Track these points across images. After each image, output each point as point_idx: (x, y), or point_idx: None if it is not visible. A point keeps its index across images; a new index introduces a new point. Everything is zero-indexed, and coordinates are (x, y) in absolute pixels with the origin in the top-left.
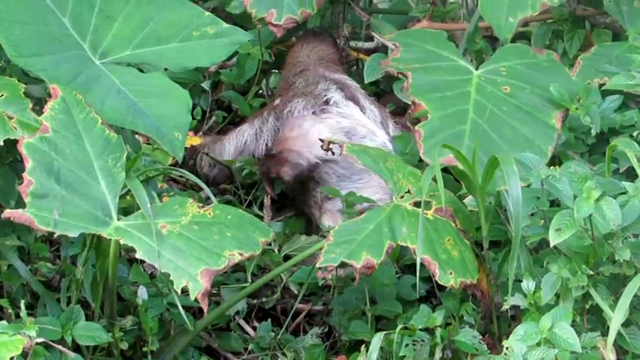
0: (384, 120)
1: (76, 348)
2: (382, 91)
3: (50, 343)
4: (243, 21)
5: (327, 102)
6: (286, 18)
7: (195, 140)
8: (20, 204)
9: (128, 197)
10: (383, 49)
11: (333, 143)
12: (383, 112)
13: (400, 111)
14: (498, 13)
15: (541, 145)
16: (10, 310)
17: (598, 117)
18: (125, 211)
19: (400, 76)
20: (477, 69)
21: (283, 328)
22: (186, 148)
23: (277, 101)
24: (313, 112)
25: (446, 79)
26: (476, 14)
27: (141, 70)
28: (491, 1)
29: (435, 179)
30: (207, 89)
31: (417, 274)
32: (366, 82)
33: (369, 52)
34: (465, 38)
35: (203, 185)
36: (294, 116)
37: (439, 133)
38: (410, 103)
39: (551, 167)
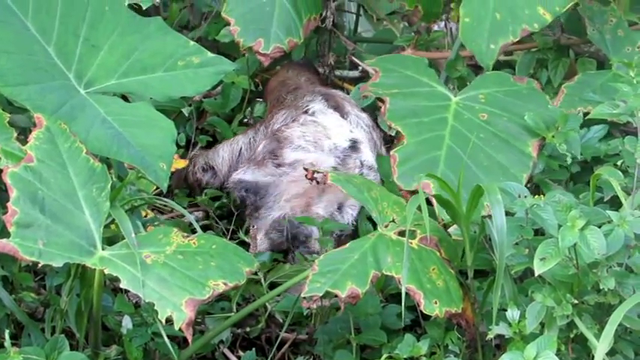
0: (374, 126)
1: None
2: None
3: None
4: (228, 50)
5: (306, 112)
6: (274, 47)
7: (180, 163)
8: (4, 233)
9: (113, 227)
10: (368, 78)
11: (317, 172)
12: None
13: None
14: (479, 39)
15: (516, 173)
16: None
17: (578, 143)
18: (110, 240)
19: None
20: (455, 96)
21: (268, 358)
22: (171, 172)
23: (269, 115)
24: (293, 121)
25: (423, 104)
26: (457, 42)
27: (126, 100)
28: (472, 28)
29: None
30: (192, 117)
31: (403, 303)
32: None
33: (353, 80)
34: (445, 65)
35: (187, 214)
36: (275, 128)
37: (414, 158)
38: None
39: (536, 196)
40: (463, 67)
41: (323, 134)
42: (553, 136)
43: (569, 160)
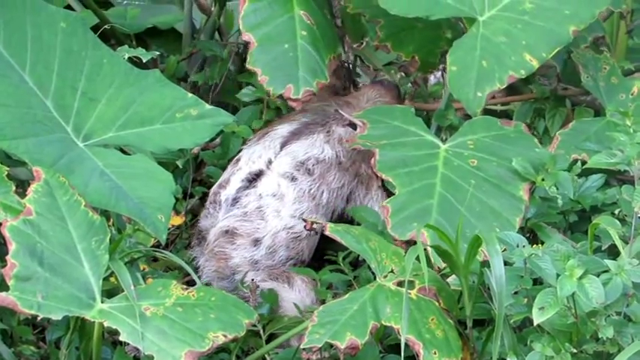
0: (310, 165)
1: None
2: None
3: None
4: (227, 99)
5: (266, 132)
6: (304, 91)
7: (176, 220)
8: (3, 287)
9: (112, 279)
10: None
11: (317, 223)
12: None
13: None
14: (467, 87)
15: (508, 217)
16: None
17: (569, 182)
18: (109, 293)
19: None
20: (444, 143)
21: None
22: (168, 229)
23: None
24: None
25: (413, 154)
26: (446, 91)
27: (125, 153)
28: (459, 76)
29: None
30: (188, 168)
31: (402, 353)
32: None
33: None
34: (435, 114)
35: (186, 267)
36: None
37: (407, 208)
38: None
39: (534, 245)
40: (454, 117)
41: (226, 182)
42: (543, 179)
43: (560, 202)
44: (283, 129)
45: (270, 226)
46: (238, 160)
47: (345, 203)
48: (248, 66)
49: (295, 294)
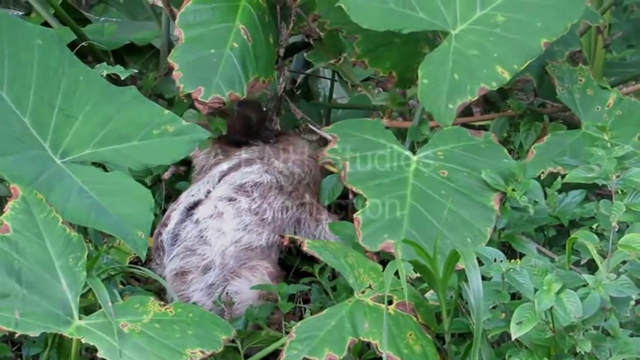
0: (285, 184)
1: None
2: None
3: None
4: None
5: (206, 173)
6: (213, 97)
7: (151, 242)
8: None
9: (89, 296)
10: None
11: (293, 240)
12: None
13: None
14: (438, 100)
15: (480, 227)
16: None
17: (539, 190)
18: (87, 310)
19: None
20: (414, 154)
21: None
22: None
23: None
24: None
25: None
26: (420, 106)
27: (105, 169)
28: (430, 89)
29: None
30: (161, 186)
31: None
32: (326, 203)
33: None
34: (409, 130)
35: (164, 283)
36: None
37: (378, 220)
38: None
39: (512, 260)
40: (429, 132)
41: (167, 219)
42: (513, 190)
43: (531, 211)
44: (222, 166)
45: (216, 247)
46: (178, 198)
47: (293, 232)
48: (169, 59)
49: (251, 278)
